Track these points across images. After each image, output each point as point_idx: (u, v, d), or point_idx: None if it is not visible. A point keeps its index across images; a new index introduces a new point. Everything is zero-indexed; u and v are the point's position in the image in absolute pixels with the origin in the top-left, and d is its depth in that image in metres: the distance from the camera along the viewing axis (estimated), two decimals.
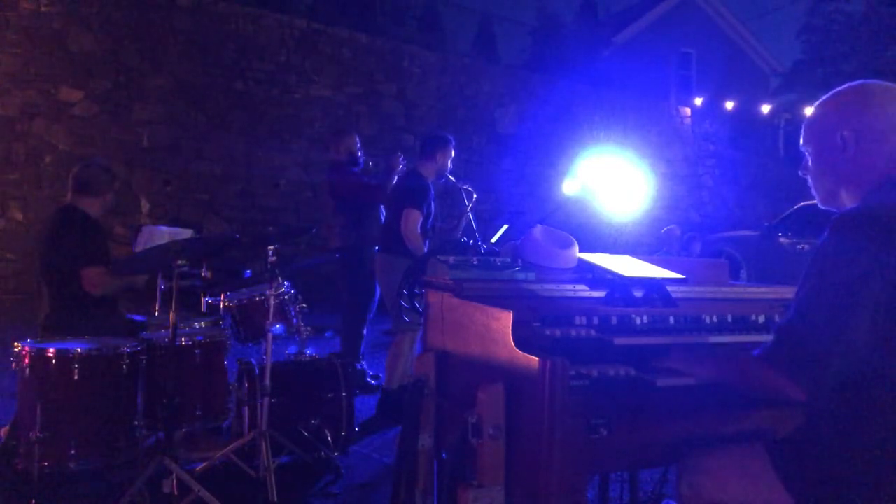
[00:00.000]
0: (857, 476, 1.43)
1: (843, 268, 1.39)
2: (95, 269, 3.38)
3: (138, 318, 3.64)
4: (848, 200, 1.60)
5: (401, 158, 4.87)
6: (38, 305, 3.53)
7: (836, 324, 1.37)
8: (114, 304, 3.63)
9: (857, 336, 1.37)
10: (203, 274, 3.83)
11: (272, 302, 3.21)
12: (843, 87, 1.63)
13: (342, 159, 5.16)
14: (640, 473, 2.54)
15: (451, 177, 4.68)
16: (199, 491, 2.67)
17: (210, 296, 3.96)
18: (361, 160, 5.22)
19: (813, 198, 1.69)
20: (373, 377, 5.11)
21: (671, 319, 1.96)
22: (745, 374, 1.55)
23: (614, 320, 1.88)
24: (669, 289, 2.09)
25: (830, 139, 1.59)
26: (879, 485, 1.42)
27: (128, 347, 2.87)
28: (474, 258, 2.13)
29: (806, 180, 1.71)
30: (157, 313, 3.88)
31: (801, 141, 1.68)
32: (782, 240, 10.08)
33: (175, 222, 7.73)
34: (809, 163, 1.68)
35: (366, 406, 4.43)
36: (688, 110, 14.11)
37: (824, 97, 1.66)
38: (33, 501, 2.59)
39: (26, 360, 2.74)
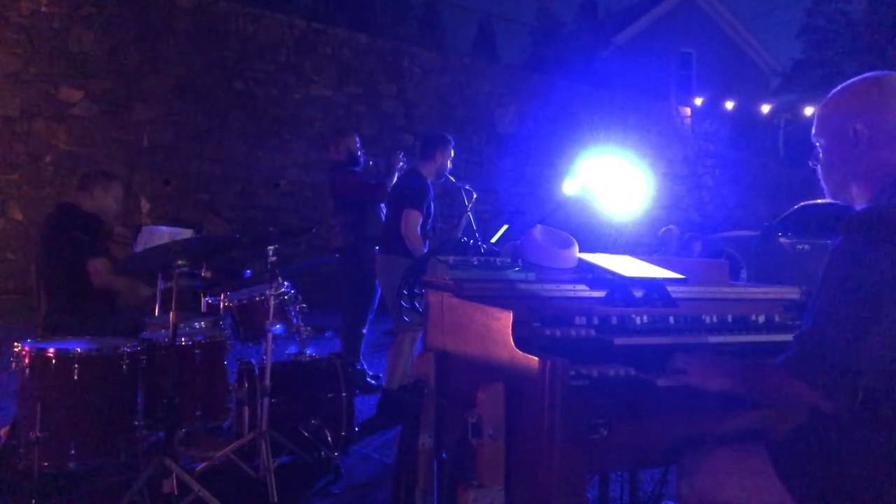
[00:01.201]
0: (861, 477, 1.42)
1: (862, 271, 1.35)
2: (101, 259, 3.39)
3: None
4: (859, 196, 1.56)
5: (401, 156, 4.87)
6: (38, 305, 3.54)
7: (862, 330, 1.33)
8: (112, 304, 3.63)
9: (884, 340, 1.33)
10: (203, 274, 3.83)
11: (272, 302, 3.21)
12: (858, 78, 1.58)
13: (342, 159, 5.17)
14: (640, 473, 2.54)
15: (450, 177, 4.68)
16: (199, 491, 2.67)
17: (210, 296, 3.96)
18: (362, 160, 5.22)
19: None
20: (373, 377, 5.11)
21: (671, 319, 1.96)
22: (764, 384, 1.50)
23: (614, 320, 1.88)
24: (669, 289, 2.09)
25: (843, 132, 1.55)
26: (885, 486, 1.41)
27: (128, 347, 2.87)
28: (474, 258, 2.13)
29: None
30: (157, 313, 3.88)
31: (813, 132, 1.64)
32: (782, 240, 10.06)
33: (175, 222, 7.73)
34: (820, 154, 1.63)
35: (366, 406, 4.43)
36: (688, 110, 14.11)
37: (838, 88, 1.60)
38: (33, 501, 2.58)
39: (26, 360, 2.74)
